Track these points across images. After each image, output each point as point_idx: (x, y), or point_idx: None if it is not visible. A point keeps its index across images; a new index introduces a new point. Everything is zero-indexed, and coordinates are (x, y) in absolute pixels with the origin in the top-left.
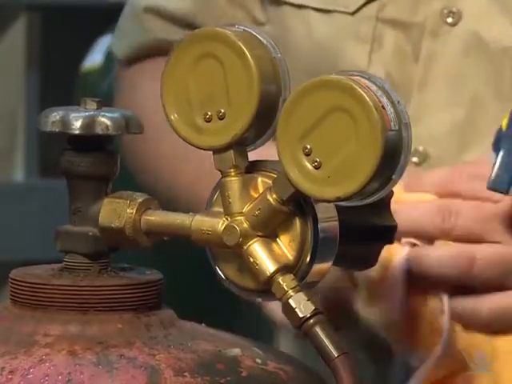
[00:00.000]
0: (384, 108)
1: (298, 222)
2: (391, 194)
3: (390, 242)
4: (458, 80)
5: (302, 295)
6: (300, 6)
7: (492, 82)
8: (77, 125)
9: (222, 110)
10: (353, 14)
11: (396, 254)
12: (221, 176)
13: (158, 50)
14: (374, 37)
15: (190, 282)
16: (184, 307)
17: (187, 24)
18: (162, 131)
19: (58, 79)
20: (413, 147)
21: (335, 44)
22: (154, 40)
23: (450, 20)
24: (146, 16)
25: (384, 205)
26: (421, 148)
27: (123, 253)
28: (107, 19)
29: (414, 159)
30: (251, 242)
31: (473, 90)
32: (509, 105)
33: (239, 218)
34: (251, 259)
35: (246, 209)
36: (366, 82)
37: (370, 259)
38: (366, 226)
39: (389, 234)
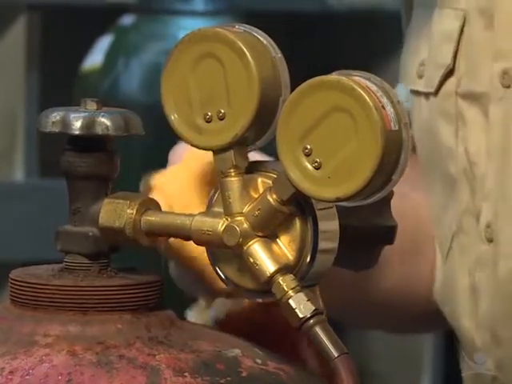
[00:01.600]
0: (384, 108)
1: (298, 223)
2: (391, 194)
3: (390, 242)
4: None
5: (301, 295)
6: (417, 92)
7: None
8: (77, 125)
9: (222, 111)
10: (436, 93)
11: None
12: (221, 176)
13: None
14: (457, 114)
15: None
16: (184, 307)
17: None
18: None
19: (57, 79)
20: (486, 222)
21: (431, 125)
22: None
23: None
24: None
25: (384, 205)
26: (492, 224)
27: (123, 253)
28: (107, 19)
29: (486, 235)
30: (251, 243)
31: None
32: None
33: (239, 218)
34: (251, 259)
35: (246, 209)
36: (366, 82)
37: (370, 260)
38: (366, 227)
39: (389, 234)
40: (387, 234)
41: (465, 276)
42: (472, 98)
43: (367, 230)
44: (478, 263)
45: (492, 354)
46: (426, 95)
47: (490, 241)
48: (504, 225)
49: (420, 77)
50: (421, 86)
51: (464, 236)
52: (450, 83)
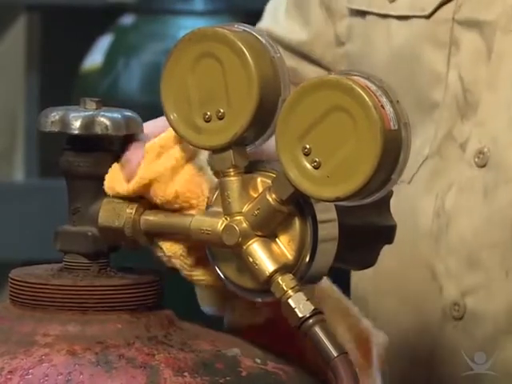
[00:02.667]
0: (383, 107)
1: (297, 222)
2: (391, 193)
3: (390, 241)
4: None
5: (301, 295)
6: (384, 16)
7: None
8: (76, 125)
9: (222, 110)
10: (429, 17)
11: None
12: (220, 176)
13: None
14: (452, 40)
15: (189, 282)
16: (184, 307)
17: (299, 52)
18: None
19: (57, 79)
20: (476, 149)
21: (412, 50)
22: None
23: None
24: None
25: (384, 204)
26: (485, 149)
27: (123, 253)
28: (107, 19)
29: (477, 161)
30: (250, 242)
31: None
32: None
33: (238, 217)
34: (250, 259)
35: (245, 209)
36: (366, 81)
37: (370, 259)
38: (365, 226)
39: (388, 233)
40: (386, 233)
41: (430, 200)
42: (473, 25)
43: (366, 229)
44: (459, 187)
45: (461, 279)
46: (406, 18)
47: (482, 166)
48: (506, 152)
49: (392, 1)
50: (394, 10)
51: (440, 160)
52: (448, 9)
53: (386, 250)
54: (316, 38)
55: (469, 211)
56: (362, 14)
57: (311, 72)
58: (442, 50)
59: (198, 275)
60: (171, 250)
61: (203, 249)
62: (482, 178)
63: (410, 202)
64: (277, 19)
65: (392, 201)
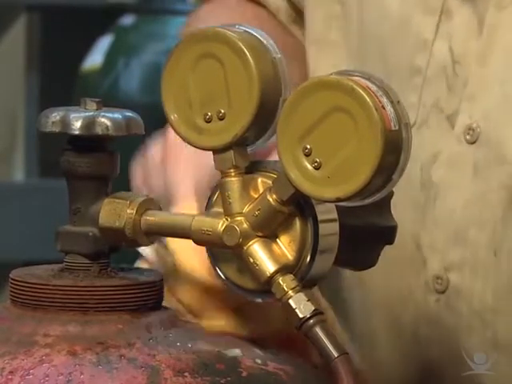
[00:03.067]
0: (384, 108)
1: (298, 223)
2: (392, 194)
3: (390, 242)
4: None
5: (301, 295)
6: None
7: None
8: (77, 125)
9: (222, 111)
10: None
11: None
12: (221, 176)
13: None
14: (443, 9)
15: None
16: None
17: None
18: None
19: (57, 79)
20: (466, 124)
21: (404, 16)
22: None
23: None
24: None
25: (385, 205)
26: (474, 125)
27: (123, 253)
28: (107, 19)
29: (468, 137)
30: (251, 243)
31: None
32: None
33: (239, 218)
34: (251, 260)
35: (246, 209)
36: (366, 82)
37: (370, 259)
38: (366, 227)
39: (389, 234)
40: (387, 233)
41: (415, 170)
42: None
43: (367, 229)
44: (447, 161)
45: (446, 254)
46: None
47: (472, 143)
48: (497, 129)
49: None
50: None
51: (426, 130)
52: None
53: None
54: None
55: (457, 187)
56: None
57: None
58: (432, 17)
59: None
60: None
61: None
62: (472, 155)
63: None
64: None
65: None
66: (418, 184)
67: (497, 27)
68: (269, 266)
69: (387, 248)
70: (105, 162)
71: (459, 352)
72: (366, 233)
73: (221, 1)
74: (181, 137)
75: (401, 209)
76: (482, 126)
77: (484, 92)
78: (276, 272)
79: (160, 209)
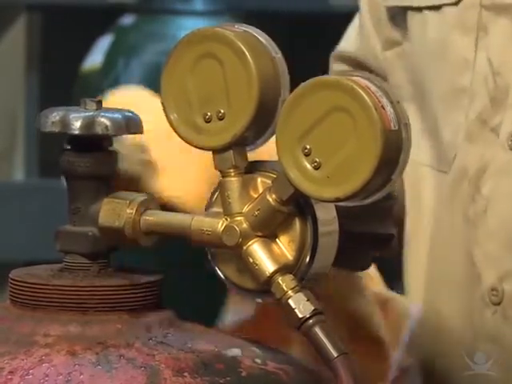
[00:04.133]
0: (383, 108)
1: (297, 223)
2: (394, 202)
3: (388, 248)
4: None
5: (301, 295)
6: (418, 9)
7: None
8: (76, 125)
9: (222, 111)
10: (456, 3)
11: None
12: (220, 176)
13: None
14: (479, 25)
15: (189, 281)
16: (184, 307)
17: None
18: None
19: (57, 79)
20: (509, 131)
21: (441, 41)
22: None
23: None
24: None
25: (386, 213)
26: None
27: (123, 253)
28: (107, 19)
29: (511, 143)
30: (251, 243)
31: None
32: None
33: (239, 218)
34: (251, 259)
35: (245, 209)
36: (366, 82)
37: (365, 263)
38: (366, 233)
39: (387, 241)
40: (385, 240)
41: (463, 186)
42: (500, 10)
43: (367, 236)
44: (495, 172)
45: (500, 263)
46: (437, 8)
47: None
48: None
49: None
50: (429, 1)
51: (470, 145)
52: None
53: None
54: (366, 45)
55: (508, 195)
56: (403, 10)
57: None
58: (470, 36)
59: None
60: None
61: None
62: None
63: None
64: (348, 37)
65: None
66: (466, 198)
67: None
68: (268, 266)
69: (443, 266)
70: (104, 162)
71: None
72: (365, 238)
73: None
74: (180, 136)
75: (450, 232)
76: None
77: None
78: (275, 272)
79: (160, 209)
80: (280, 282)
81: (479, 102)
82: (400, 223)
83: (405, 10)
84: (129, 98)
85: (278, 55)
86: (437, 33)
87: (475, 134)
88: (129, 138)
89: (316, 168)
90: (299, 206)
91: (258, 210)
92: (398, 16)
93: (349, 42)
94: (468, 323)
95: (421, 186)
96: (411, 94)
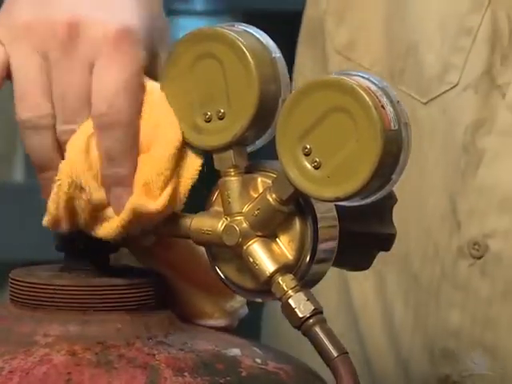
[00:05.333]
0: (384, 108)
1: (297, 222)
2: (395, 201)
3: (388, 248)
4: None
5: (301, 295)
6: None
7: None
8: None
9: (222, 110)
10: None
11: None
12: (220, 176)
13: None
14: None
15: None
16: None
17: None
18: None
19: None
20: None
21: None
22: None
23: None
24: None
25: (386, 212)
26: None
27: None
28: None
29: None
30: (251, 242)
31: None
32: None
33: (239, 217)
34: (251, 259)
35: (245, 209)
36: (366, 82)
37: (365, 263)
38: (366, 233)
39: (388, 240)
40: (386, 240)
41: (459, 131)
42: None
43: (367, 235)
44: (496, 130)
45: (486, 220)
46: None
47: None
48: None
49: None
50: None
51: (473, 95)
52: None
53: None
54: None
55: (508, 157)
56: None
57: None
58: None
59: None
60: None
61: None
62: None
63: (429, 125)
64: None
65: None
66: (460, 147)
67: None
68: (268, 266)
69: (420, 207)
70: None
71: (483, 320)
72: (365, 238)
73: None
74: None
75: (437, 168)
76: None
77: None
78: (276, 272)
79: None
80: (280, 281)
81: (488, 54)
82: None
83: None
84: None
85: (278, 55)
86: None
87: (480, 86)
88: None
89: (316, 168)
90: (299, 205)
91: (258, 209)
92: None
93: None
94: (435, 266)
95: None
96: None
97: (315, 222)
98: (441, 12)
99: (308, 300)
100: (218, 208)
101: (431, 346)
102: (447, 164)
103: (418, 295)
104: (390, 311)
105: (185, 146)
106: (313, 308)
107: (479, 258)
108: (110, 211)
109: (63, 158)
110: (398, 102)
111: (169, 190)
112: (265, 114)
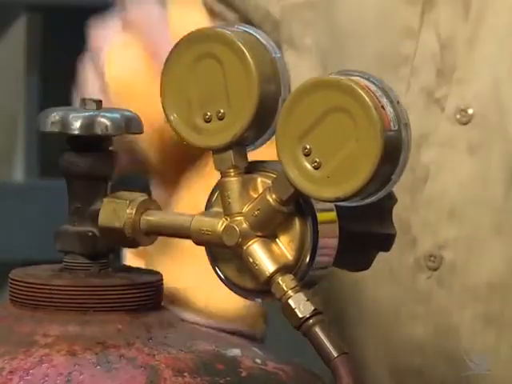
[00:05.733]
0: (384, 108)
1: (297, 223)
2: (394, 201)
3: (388, 249)
4: (505, 36)
5: (301, 295)
6: None
7: None
8: (76, 125)
9: (222, 110)
10: None
11: None
12: (220, 176)
13: None
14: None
15: None
16: None
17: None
18: None
19: (58, 79)
20: (457, 106)
21: (385, 9)
22: None
23: None
24: None
25: (386, 213)
26: (466, 107)
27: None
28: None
29: (459, 117)
30: (251, 243)
31: None
32: None
33: (239, 218)
34: (251, 259)
35: (245, 209)
36: (366, 82)
37: (365, 263)
38: (367, 233)
39: (388, 241)
40: (386, 240)
41: None
42: None
43: (368, 235)
44: (438, 142)
45: (439, 231)
46: None
47: (464, 124)
48: (490, 110)
49: None
50: None
51: (412, 112)
52: None
53: None
54: None
55: (452, 167)
56: None
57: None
58: (415, 7)
59: None
60: None
61: None
62: (466, 135)
63: None
64: None
65: None
66: (406, 168)
67: (484, 9)
68: (268, 266)
69: None
70: (104, 162)
71: (445, 329)
72: (365, 238)
73: None
74: (180, 136)
75: None
76: (475, 107)
77: (474, 75)
78: (275, 272)
79: (160, 209)
80: (280, 281)
81: (425, 76)
82: None
83: None
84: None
85: (278, 55)
86: (376, 0)
87: (417, 103)
88: None
89: (316, 168)
90: (299, 206)
91: (258, 209)
92: None
93: None
94: (395, 286)
95: None
96: (314, 49)
97: (315, 222)
98: (377, 44)
99: (308, 300)
100: (217, 208)
101: (396, 363)
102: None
103: (378, 316)
104: (351, 338)
105: None
106: (313, 308)
107: (436, 269)
108: None
109: None
110: (398, 102)
111: None
112: (265, 114)
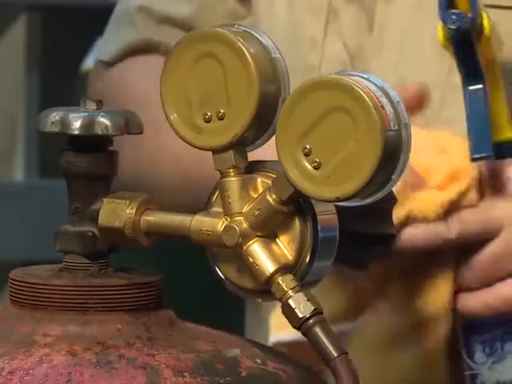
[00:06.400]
0: (383, 108)
1: (297, 222)
2: (394, 201)
3: (388, 248)
4: (405, 41)
5: (301, 295)
6: None
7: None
8: (76, 125)
9: (222, 110)
10: None
11: None
12: (220, 176)
13: (146, 51)
14: (329, 9)
15: (190, 281)
16: (184, 307)
17: (184, 26)
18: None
19: (58, 79)
20: None
21: (293, 20)
22: (144, 40)
23: None
24: (139, 15)
25: (386, 213)
26: None
27: (123, 253)
28: (107, 19)
29: None
30: (251, 243)
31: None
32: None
33: (239, 218)
34: (251, 259)
35: (245, 209)
36: (366, 82)
37: (367, 261)
38: (367, 233)
39: (387, 240)
40: (386, 240)
41: None
42: None
43: (368, 235)
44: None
45: None
46: None
47: None
48: None
49: None
50: None
51: None
52: None
53: None
54: (201, 12)
55: None
56: None
57: None
58: (319, 17)
59: None
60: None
61: None
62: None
63: None
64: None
65: None
66: None
67: (387, 20)
68: (268, 266)
69: None
70: (104, 162)
71: None
72: (365, 238)
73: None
74: (180, 137)
75: None
76: None
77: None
78: (275, 272)
79: (158, 208)
80: (280, 281)
81: None
82: None
83: None
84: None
85: (278, 55)
86: (286, 11)
87: None
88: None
89: (316, 168)
90: (299, 205)
91: (258, 209)
92: None
93: (181, 5)
94: None
95: None
96: None
97: (315, 222)
98: (289, 54)
99: (308, 300)
100: (217, 208)
101: None
102: None
103: None
104: None
105: None
106: (313, 308)
107: None
108: None
109: None
110: (398, 102)
111: None
112: (265, 115)
